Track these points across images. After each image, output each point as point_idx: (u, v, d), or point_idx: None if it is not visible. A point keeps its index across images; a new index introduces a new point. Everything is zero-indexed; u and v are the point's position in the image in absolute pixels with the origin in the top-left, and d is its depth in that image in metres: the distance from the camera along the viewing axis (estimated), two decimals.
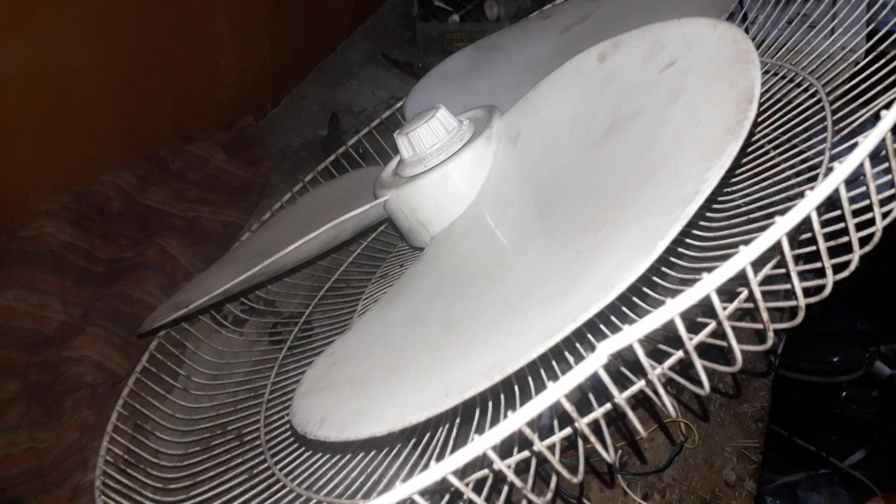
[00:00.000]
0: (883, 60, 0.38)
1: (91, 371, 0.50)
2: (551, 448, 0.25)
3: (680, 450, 0.44)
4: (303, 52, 0.90)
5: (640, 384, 0.25)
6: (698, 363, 0.23)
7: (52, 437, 0.47)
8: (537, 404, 0.19)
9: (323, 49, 0.93)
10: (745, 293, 0.25)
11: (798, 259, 0.24)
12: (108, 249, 0.60)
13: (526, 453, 0.27)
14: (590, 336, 0.34)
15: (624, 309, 0.33)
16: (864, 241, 0.24)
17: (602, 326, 0.34)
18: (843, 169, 0.20)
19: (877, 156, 0.21)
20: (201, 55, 0.74)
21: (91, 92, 0.62)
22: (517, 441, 0.26)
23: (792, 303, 0.23)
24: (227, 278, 0.43)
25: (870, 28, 0.41)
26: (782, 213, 0.19)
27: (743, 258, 0.19)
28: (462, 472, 0.20)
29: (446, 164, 0.41)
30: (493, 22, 0.88)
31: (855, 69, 0.39)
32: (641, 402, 0.26)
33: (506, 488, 0.27)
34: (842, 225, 0.23)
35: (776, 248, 0.19)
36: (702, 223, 0.37)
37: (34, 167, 0.59)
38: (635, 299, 0.34)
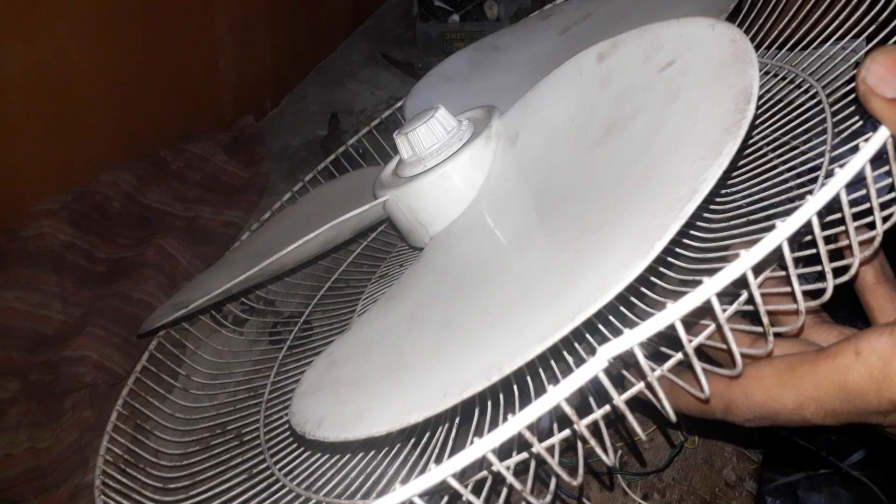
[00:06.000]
0: None
1: (91, 371, 0.50)
2: (550, 450, 0.25)
3: (680, 450, 0.44)
4: (303, 52, 0.90)
5: (640, 386, 0.25)
6: (698, 366, 0.23)
7: (52, 437, 0.47)
8: (538, 407, 0.19)
9: (323, 49, 0.93)
10: (744, 296, 0.25)
11: (798, 262, 0.24)
12: (108, 249, 0.60)
13: (525, 455, 0.27)
14: (588, 336, 0.34)
15: (622, 309, 0.33)
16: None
17: (600, 326, 0.34)
18: (845, 173, 0.20)
19: (878, 158, 0.21)
20: (201, 55, 0.74)
21: (91, 92, 0.62)
22: (516, 443, 0.26)
23: (792, 306, 0.23)
24: (227, 278, 0.43)
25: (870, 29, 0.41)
26: (782, 215, 0.19)
27: (744, 263, 0.19)
28: (461, 474, 0.20)
29: (445, 164, 0.41)
30: (493, 22, 0.88)
31: (855, 70, 0.39)
32: (641, 403, 0.26)
33: (505, 490, 0.27)
34: (842, 228, 0.23)
35: (776, 252, 0.19)
36: (700, 223, 0.37)
37: (34, 167, 0.59)
38: (633, 299, 0.34)
